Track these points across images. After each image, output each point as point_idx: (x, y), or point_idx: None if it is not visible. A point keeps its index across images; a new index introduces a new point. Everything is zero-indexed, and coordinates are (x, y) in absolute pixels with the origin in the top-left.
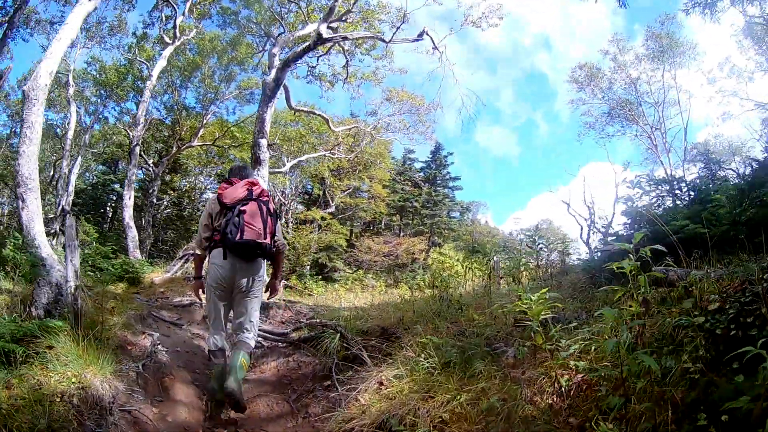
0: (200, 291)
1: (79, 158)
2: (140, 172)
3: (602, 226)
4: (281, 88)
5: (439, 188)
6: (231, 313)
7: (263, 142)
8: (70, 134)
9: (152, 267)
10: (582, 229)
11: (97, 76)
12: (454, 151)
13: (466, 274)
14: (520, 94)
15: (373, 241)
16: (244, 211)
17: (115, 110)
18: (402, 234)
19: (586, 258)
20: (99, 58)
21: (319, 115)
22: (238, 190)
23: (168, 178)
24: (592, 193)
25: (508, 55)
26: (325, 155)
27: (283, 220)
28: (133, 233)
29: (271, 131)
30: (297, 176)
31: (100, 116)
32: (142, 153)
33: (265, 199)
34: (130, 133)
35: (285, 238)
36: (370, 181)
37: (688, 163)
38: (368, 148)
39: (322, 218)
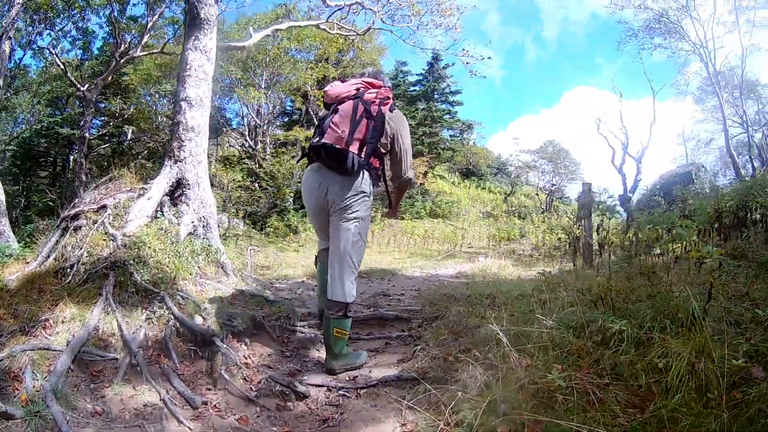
0: None
1: None
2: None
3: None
4: None
5: (437, 103)
6: None
7: None
8: None
9: (26, 249)
10: (614, 153)
11: None
12: (454, 61)
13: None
14: (507, 17)
15: None
16: (337, 110)
17: (50, 36)
18: None
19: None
20: None
21: None
22: (346, 87)
23: (105, 105)
24: (578, 117)
25: None
26: (318, 26)
27: (260, 145)
28: None
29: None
30: (275, 95)
31: (35, 47)
32: (75, 77)
33: (371, 99)
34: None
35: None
36: None
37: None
38: (360, 52)
39: (307, 139)
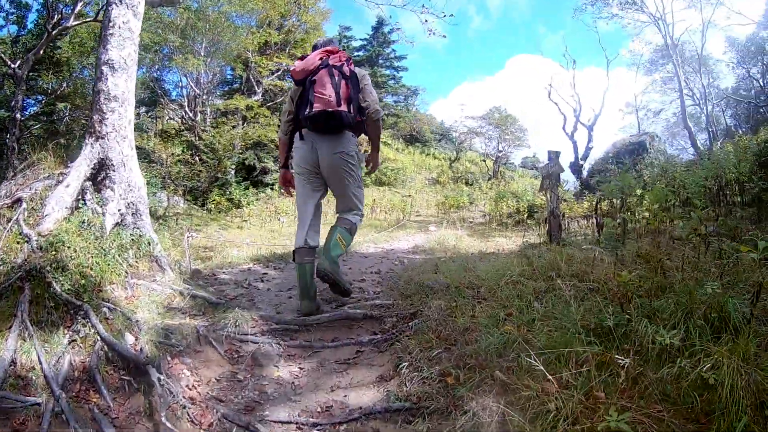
0: (287, 183)
1: None
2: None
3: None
4: None
5: (382, 69)
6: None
7: None
8: None
9: None
10: (566, 120)
11: None
12: (400, 26)
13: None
14: None
15: None
16: (314, 82)
17: None
18: None
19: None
20: None
21: None
22: (310, 60)
23: (38, 83)
24: (522, 85)
25: None
26: None
27: (199, 116)
28: None
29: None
30: (215, 62)
31: None
32: (8, 54)
33: (339, 63)
34: None
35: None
36: None
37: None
38: (303, 15)
39: (248, 107)
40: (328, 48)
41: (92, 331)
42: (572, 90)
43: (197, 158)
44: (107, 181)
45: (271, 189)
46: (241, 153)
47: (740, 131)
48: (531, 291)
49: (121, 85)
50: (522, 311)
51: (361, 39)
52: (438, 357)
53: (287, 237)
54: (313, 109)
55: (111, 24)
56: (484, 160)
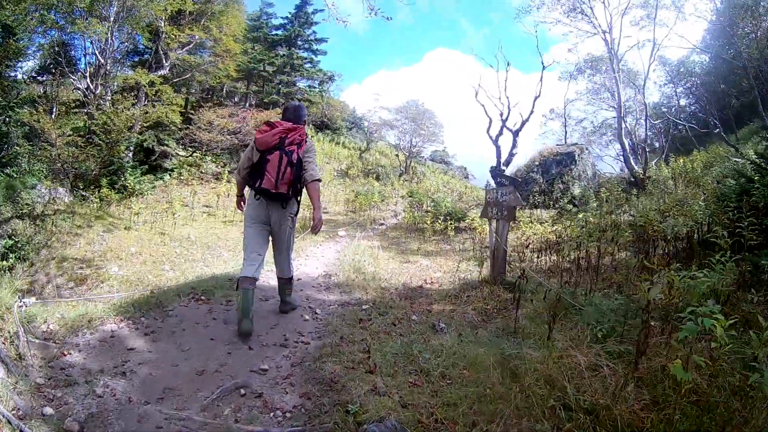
0: (241, 204)
1: None
2: None
3: (515, 124)
4: None
5: (300, 51)
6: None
7: None
8: None
9: None
10: (491, 122)
11: None
12: (324, 7)
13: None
14: None
15: (216, 114)
16: (268, 161)
17: None
18: (248, 105)
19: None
20: None
21: None
22: (271, 138)
23: None
24: (440, 79)
25: None
26: None
27: (99, 89)
28: None
29: None
30: (124, 29)
31: None
32: None
33: (290, 149)
34: None
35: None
36: (220, 33)
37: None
38: None
39: (150, 83)
40: (289, 126)
41: None
42: (501, 93)
43: (93, 139)
44: None
45: (170, 176)
46: (140, 134)
47: (656, 144)
48: None
49: None
50: None
51: (282, 17)
52: None
53: (179, 242)
54: (262, 185)
55: None
56: (397, 155)
